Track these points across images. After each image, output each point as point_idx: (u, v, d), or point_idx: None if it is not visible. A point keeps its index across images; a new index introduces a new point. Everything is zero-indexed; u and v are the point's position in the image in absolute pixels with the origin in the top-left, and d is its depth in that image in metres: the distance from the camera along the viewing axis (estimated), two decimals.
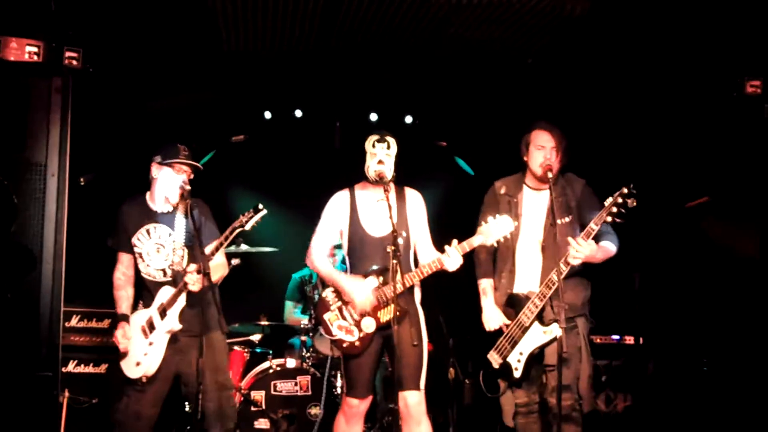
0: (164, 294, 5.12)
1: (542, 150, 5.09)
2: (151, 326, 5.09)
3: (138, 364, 5.06)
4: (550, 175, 5.00)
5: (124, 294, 5.21)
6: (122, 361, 5.13)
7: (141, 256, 5.17)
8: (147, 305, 5.16)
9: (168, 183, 5.12)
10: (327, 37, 6.49)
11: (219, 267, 5.17)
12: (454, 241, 4.90)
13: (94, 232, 5.92)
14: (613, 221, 4.82)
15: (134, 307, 5.21)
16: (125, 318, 5.15)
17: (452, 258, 4.86)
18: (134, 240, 5.17)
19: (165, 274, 5.17)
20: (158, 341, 5.07)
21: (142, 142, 7.01)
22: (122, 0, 5.73)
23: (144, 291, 5.22)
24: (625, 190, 4.78)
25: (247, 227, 4.94)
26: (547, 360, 4.99)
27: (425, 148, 8.36)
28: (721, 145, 6.63)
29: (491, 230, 4.87)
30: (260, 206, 4.94)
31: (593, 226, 4.84)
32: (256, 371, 6.66)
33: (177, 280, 5.09)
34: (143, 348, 5.08)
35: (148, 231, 5.18)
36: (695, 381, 6.81)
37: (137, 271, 5.21)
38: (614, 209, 4.78)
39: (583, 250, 4.81)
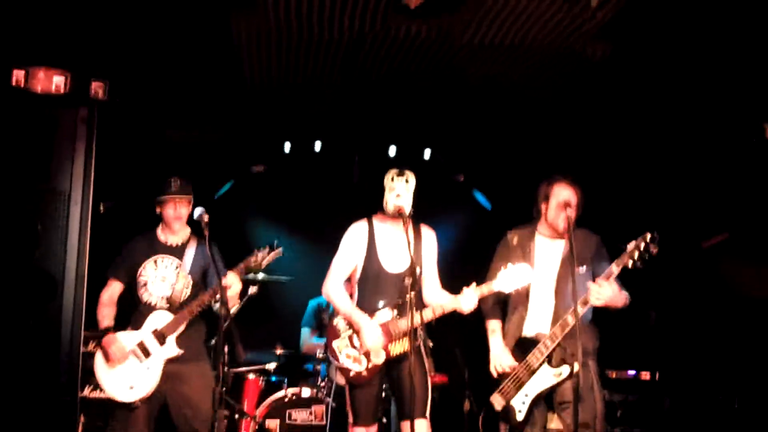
0: (159, 319, 5.23)
1: (566, 207, 5.06)
2: (146, 351, 5.19)
3: (132, 387, 5.14)
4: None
5: (108, 311, 5.35)
6: (110, 386, 5.18)
7: (145, 285, 5.34)
8: (135, 328, 5.27)
9: (169, 217, 5.38)
10: (349, 71, 6.57)
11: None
12: (473, 284, 4.95)
13: (111, 259, 6.00)
14: (634, 266, 4.83)
15: (120, 328, 5.33)
16: (113, 330, 5.27)
17: (467, 299, 4.93)
18: (141, 270, 5.36)
19: (167, 301, 5.30)
20: (155, 366, 5.17)
21: (163, 171, 7.10)
22: (147, 33, 5.84)
23: (137, 314, 5.34)
24: (648, 237, 4.79)
25: (262, 266, 5.10)
26: (563, 397, 4.99)
27: (443, 183, 8.39)
28: (738, 186, 6.65)
29: (510, 279, 4.95)
30: (276, 243, 5.04)
31: (614, 268, 4.85)
32: (270, 400, 6.65)
33: (174, 306, 5.26)
34: (138, 372, 5.17)
35: (155, 261, 5.39)
36: (711, 418, 6.79)
37: (137, 297, 5.35)
38: (636, 254, 4.80)
39: (604, 291, 4.83)
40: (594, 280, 5.00)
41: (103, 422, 6.18)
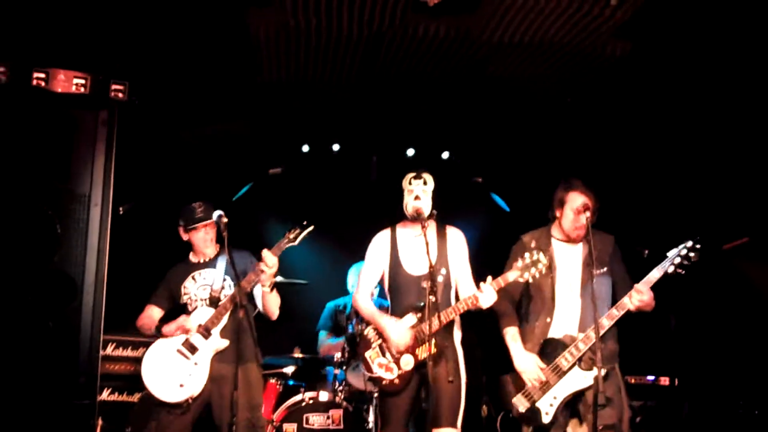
0: (201, 315, 5.28)
1: (581, 214, 5.05)
2: (193, 348, 5.22)
3: (182, 386, 5.15)
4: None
5: (149, 322, 5.46)
6: (159, 389, 5.19)
7: (190, 299, 5.42)
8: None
9: (200, 241, 5.50)
10: (367, 70, 6.56)
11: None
12: (489, 278, 4.91)
13: (130, 261, 6.00)
14: (675, 272, 4.84)
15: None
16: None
17: (486, 294, 4.87)
18: (182, 291, 5.44)
19: (209, 301, 5.36)
20: (203, 361, 5.21)
21: (181, 172, 7.11)
22: (165, 33, 5.86)
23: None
24: (690, 243, 4.80)
25: (296, 243, 5.09)
26: (591, 400, 4.92)
27: (462, 184, 8.36)
28: (761, 187, 6.59)
29: (526, 266, 4.89)
30: (305, 222, 5.03)
31: (656, 274, 4.85)
32: (288, 404, 6.60)
33: (215, 302, 5.31)
34: (187, 369, 5.19)
35: (193, 277, 5.48)
36: (730, 423, 6.74)
37: (186, 311, 5.41)
38: (677, 260, 4.80)
39: (644, 297, 4.83)
40: (612, 281, 5.07)
41: (122, 426, 6.22)
